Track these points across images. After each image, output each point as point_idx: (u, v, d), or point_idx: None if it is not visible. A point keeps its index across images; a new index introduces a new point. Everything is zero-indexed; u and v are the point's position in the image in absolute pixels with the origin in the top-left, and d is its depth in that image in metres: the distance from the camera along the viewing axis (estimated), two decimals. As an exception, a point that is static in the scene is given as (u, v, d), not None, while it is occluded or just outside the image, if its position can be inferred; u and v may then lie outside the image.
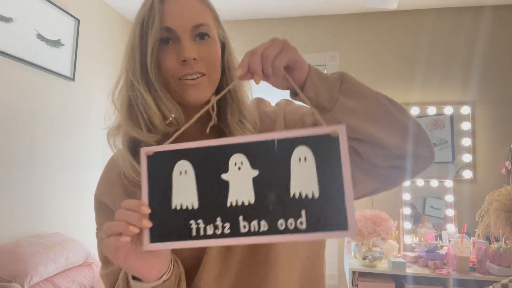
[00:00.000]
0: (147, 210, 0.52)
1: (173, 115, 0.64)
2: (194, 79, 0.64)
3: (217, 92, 0.68)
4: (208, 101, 0.66)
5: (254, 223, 0.48)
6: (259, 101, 0.79)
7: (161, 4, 0.64)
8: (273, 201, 0.48)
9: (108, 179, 0.75)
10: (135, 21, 0.67)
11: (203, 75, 0.65)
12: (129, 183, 0.67)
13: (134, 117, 0.65)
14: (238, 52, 0.72)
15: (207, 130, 0.67)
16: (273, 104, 0.81)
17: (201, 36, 0.66)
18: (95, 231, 0.75)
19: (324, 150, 0.47)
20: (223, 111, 0.69)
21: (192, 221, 0.51)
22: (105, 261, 0.71)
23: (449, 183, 2.67)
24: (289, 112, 0.74)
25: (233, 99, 0.69)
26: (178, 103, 0.65)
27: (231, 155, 0.51)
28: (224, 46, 0.71)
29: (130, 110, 0.66)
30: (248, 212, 0.49)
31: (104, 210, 0.75)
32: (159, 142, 0.63)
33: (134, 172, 0.66)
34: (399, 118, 0.63)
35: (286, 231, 0.47)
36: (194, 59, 0.63)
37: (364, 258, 2.25)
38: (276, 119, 0.74)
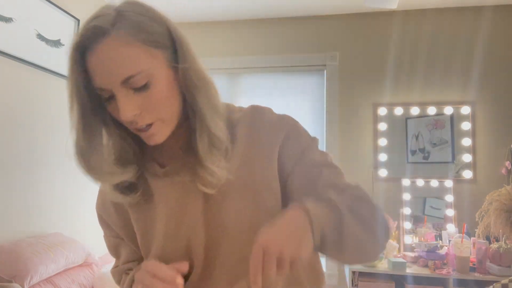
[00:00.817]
0: (181, 282, 0.52)
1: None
2: (147, 131, 0.62)
3: (187, 114, 0.65)
4: (177, 128, 0.66)
5: None
6: (258, 110, 0.72)
7: (82, 63, 0.59)
8: None
9: (102, 193, 0.77)
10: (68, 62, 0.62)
11: (151, 124, 0.61)
12: None
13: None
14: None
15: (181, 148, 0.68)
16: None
17: (137, 89, 0.58)
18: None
19: None
20: (193, 134, 0.64)
21: None
22: (116, 257, 0.80)
23: (449, 183, 2.67)
24: (289, 145, 0.69)
25: (200, 119, 0.63)
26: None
27: None
28: (175, 69, 0.62)
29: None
30: None
31: (103, 222, 0.79)
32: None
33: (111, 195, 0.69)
34: (369, 245, 0.63)
35: None
36: (135, 114, 0.59)
37: (364, 258, 2.25)
38: (279, 134, 0.69)
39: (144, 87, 0.58)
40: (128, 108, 0.58)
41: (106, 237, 0.80)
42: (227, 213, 0.66)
